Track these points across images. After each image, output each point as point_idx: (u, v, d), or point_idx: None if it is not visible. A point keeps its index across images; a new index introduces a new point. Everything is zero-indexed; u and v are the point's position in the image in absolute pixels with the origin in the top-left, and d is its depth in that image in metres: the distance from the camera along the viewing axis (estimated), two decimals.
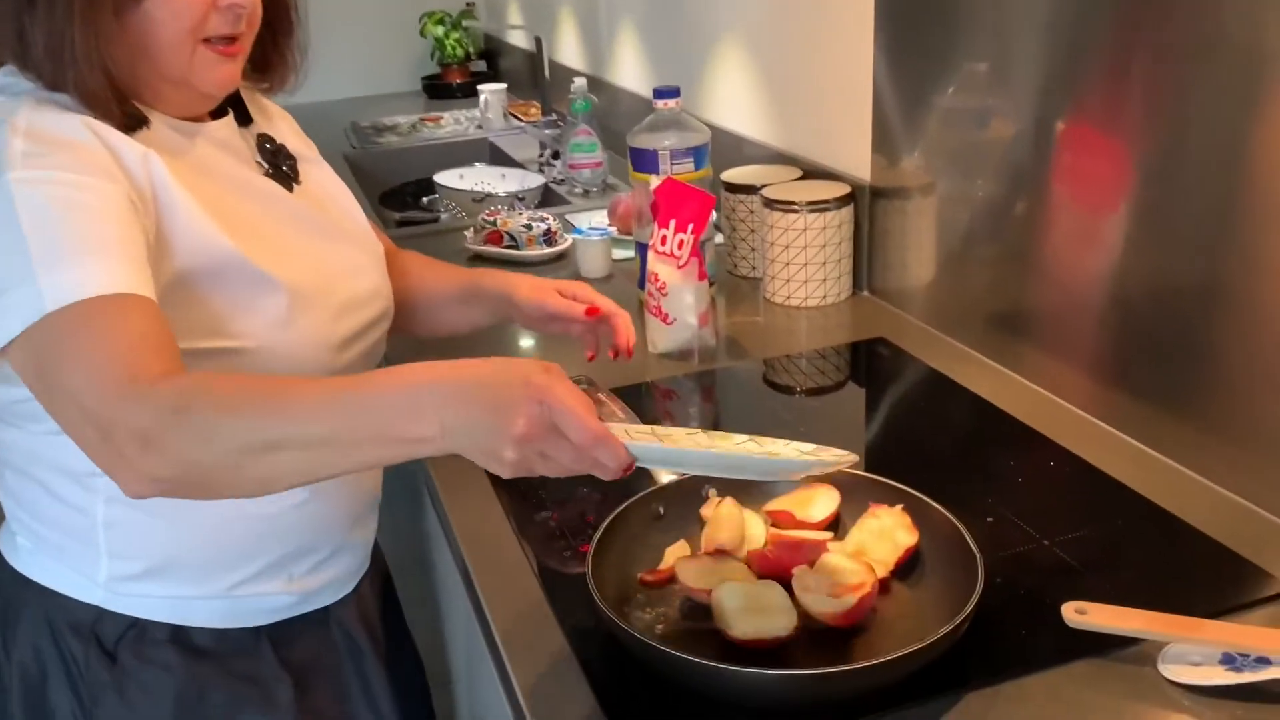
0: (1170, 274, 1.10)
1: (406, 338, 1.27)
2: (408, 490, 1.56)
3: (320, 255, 1.04)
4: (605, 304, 1.17)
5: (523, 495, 1.14)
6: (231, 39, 0.96)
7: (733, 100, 2.04)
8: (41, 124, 0.88)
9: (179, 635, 1.01)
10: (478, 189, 2.47)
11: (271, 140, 1.09)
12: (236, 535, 1.01)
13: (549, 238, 1.94)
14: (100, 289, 0.80)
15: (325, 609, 1.10)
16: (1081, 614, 0.85)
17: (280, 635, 1.06)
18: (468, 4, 3.73)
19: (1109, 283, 1.18)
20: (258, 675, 1.05)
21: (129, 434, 0.76)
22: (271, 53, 1.09)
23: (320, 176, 1.13)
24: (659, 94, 1.57)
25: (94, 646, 1.00)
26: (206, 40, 0.94)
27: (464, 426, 0.74)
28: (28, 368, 0.82)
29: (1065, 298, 1.26)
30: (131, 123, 0.93)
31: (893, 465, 1.17)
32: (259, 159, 1.06)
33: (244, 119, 1.07)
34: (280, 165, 1.07)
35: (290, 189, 1.06)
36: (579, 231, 1.85)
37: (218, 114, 1.04)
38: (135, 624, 1.00)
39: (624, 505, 0.98)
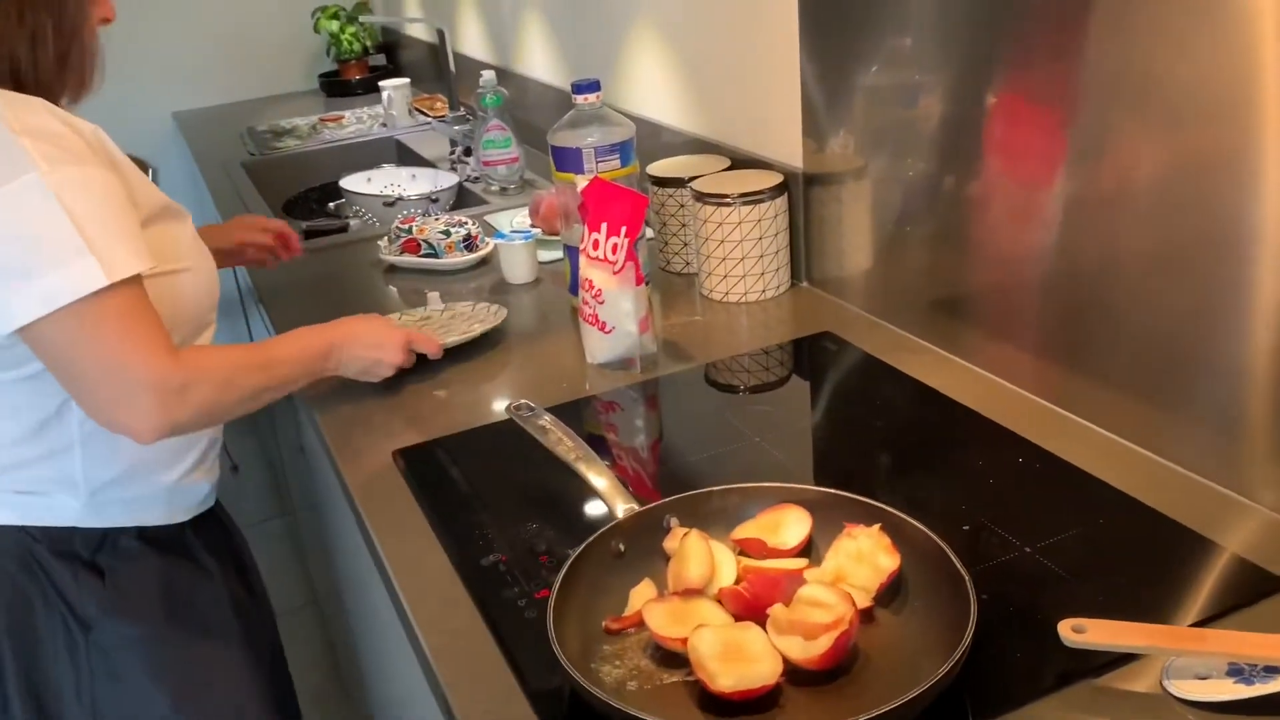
0: (1114, 246, 1.06)
1: None
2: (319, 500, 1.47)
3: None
4: (275, 226, 1.67)
5: (465, 535, 1.06)
6: None
7: (652, 88, 1.96)
8: (31, 125, 1.00)
9: (141, 535, 1.20)
10: (387, 192, 2.36)
11: None
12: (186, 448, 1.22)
13: (469, 243, 1.84)
14: (133, 269, 1.00)
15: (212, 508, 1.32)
16: (1079, 632, 0.80)
17: (195, 524, 1.27)
18: None
19: (1050, 258, 1.14)
20: (197, 558, 1.26)
21: (171, 388, 1.02)
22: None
23: None
24: (578, 88, 1.48)
25: (77, 564, 1.16)
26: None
27: (349, 361, 1.29)
28: (62, 338, 1.00)
29: (1007, 276, 1.21)
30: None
31: (855, 475, 1.12)
32: None
33: None
34: None
35: None
36: (501, 235, 1.76)
37: None
38: (105, 534, 1.18)
39: (581, 546, 0.90)
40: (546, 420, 1.09)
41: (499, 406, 1.32)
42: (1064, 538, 0.96)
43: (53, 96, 1.10)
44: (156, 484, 1.20)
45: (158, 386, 1.02)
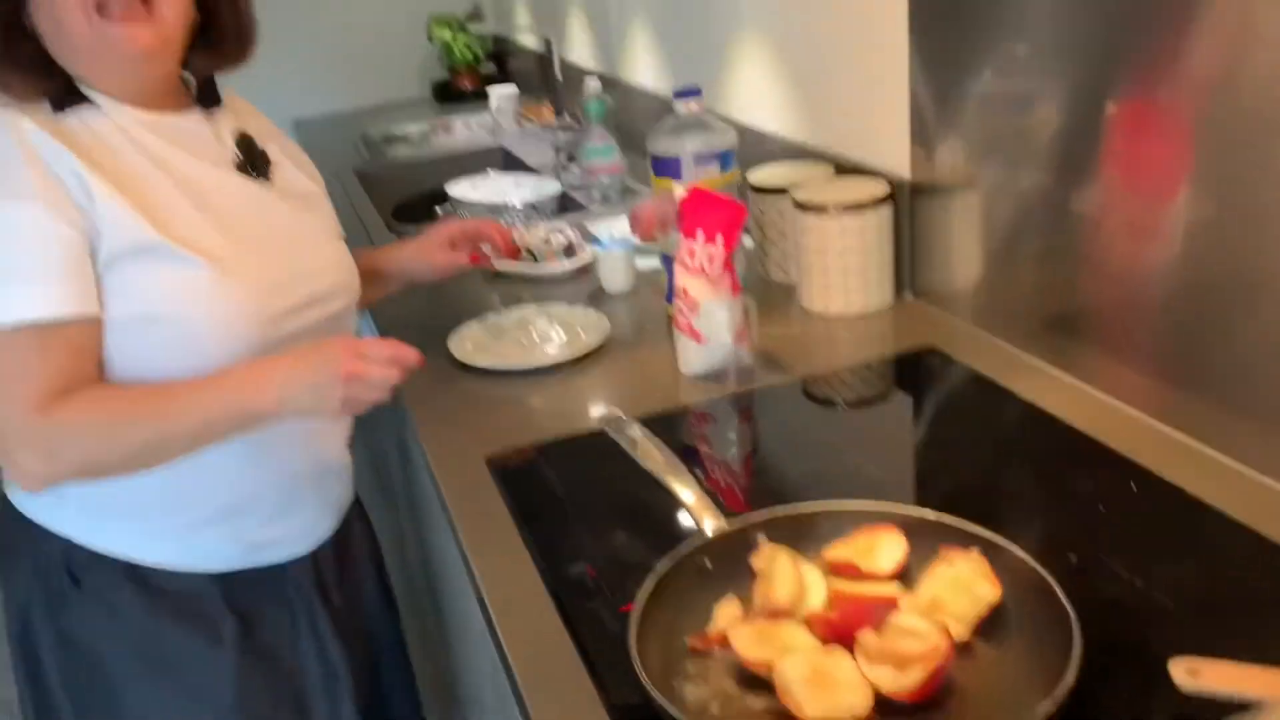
0: (1244, 264, 0.99)
1: None
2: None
3: (261, 236, 1.14)
4: (472, 229, 1.48)
5: (553, 544, 1.05)
6: (133, 5, 1.03)
7: (756, 95, 1.93)
8: None
9: (135, 572, 1.14)
10: (493, 199, 2.38)
11: (249, 138, 1.20)
12: (185, 479, 1.11)
13: (569, 251, 1.84)
14: (22, 315, 0.98)
15: (281, 567, 1.21)
16: (1195, 675, 0.74)
17: (231, 583, 1.18)
18: (474, 6, 3.64)
19: (1174, 275, 1.08)
20: (203, 612, 1.16)
21: (35, 450, 1.00)
22: (228, 21, 1.17)
23: (297, 180, 1.25)
24: (679, 95, 1.47)
25: (66, 576, 1.14)
26: (102, 10, 1.02)
27: (296, 391, 1.03)
28: None
29: (1126, 293, 1.15)
30: (66, 101, 1.06)
31: (956, 498, 1.07)
32: (235, 150, 1.18)
33: (210, 100, 1.19)
34: (255, 160, 1.19)
35: (255, 178, 1.18)
36: (600, 244, 1.76)
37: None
38: (99, 558, 1.13)
39: (667, 561, 0.89)
40: (637, 432, 1.08)
41: (593, 414, 1.31)
42: (1179, 572, 0.90)
43: (221, 60, 1.16)
44: (148, 524, 1.14)
45: (24, 441, 0.99)
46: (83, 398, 1.01)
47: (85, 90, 1.08)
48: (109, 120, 1.09)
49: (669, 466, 1.03)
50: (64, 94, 1.06)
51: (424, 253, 1.47)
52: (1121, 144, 1.13)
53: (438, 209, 2.58)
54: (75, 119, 1.06)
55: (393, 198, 2.70)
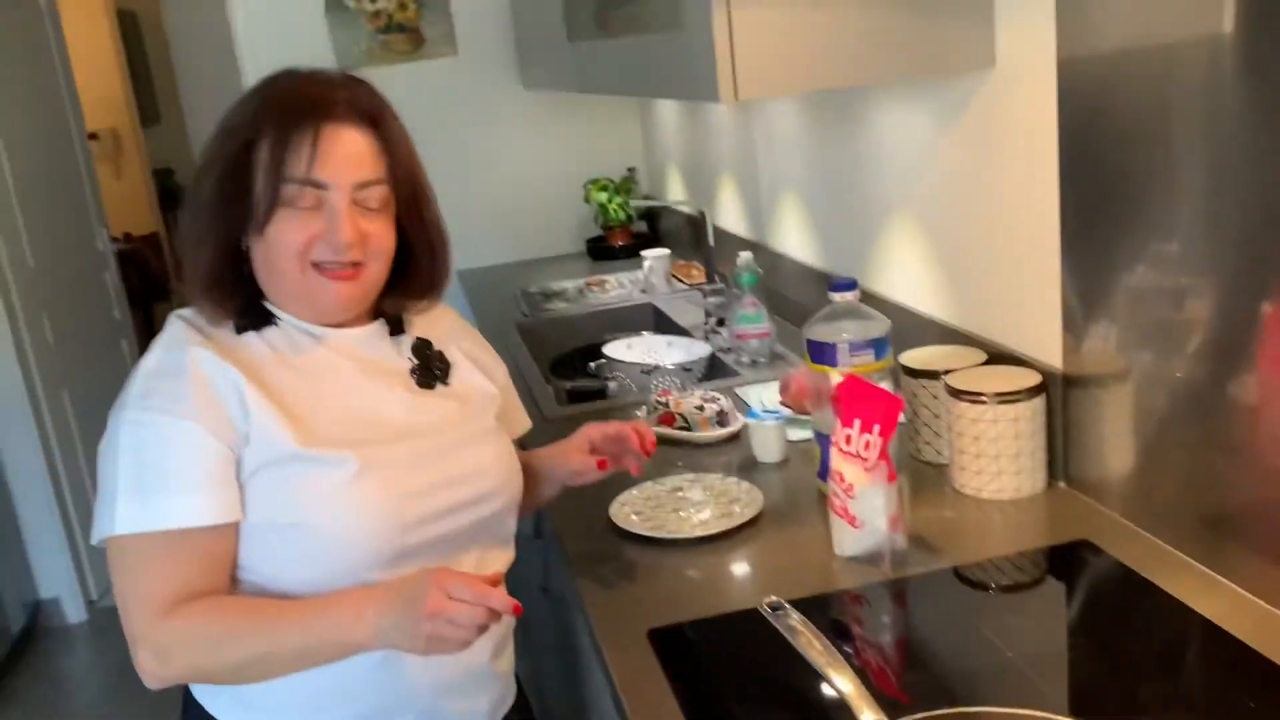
0: None
1: None
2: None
3: (411, 445, 1.21)
4: (613, 432, 1.42)
5: None
6: (346, 265, 1.16)
7: (906, 275, 2.01)
8: (159, 367, 1.14)
9: None
10: (645, 360, 2.50)
11: (428, 344, 1.31)
12: (311, 685, 1.14)
13: (722, 419, 1.93)
14: (157, 524, 1.08)
15: None
16: None
17: None
18: (629, 170, 3.86)
19: None
20: None
21: (151, 649, 1.08)
22: (423, 273, 1.28)
23: (473, 380, 1.34)
24: (835, 286, 1.56)
25: None
26: (317, 265, 1.16)
27: (387, 626, 1.05)
28: (109, 563, 1.11)
29: None
30: (248, 325, 1.19)
31: (1110, 706, 1.08)
32: (410, 357, 1.28)
33: (397, 331, 1.29)
34: (430, 366, 1.29)
35: (431, 386, 1.28)
36: (753, 414, 1.84)
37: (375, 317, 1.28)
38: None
39: None
40: (796, 620, 1.13)
41: (749, 591, 1.37)
42: None
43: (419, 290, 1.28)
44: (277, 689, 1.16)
45: (143, 641, 1.08)
46: (201, 605, 1.09)
47: (271, 308, 1.20)
48: (283, 332, 1.20)
49: (828, 657, 1.07)
50: (253, 320, 1.19)
51: (564, 455, 1.45)
52: (1278, 343, 1.15)
53: (591, 365, 2.72)
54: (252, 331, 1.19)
55: (550, 351, 2.87)
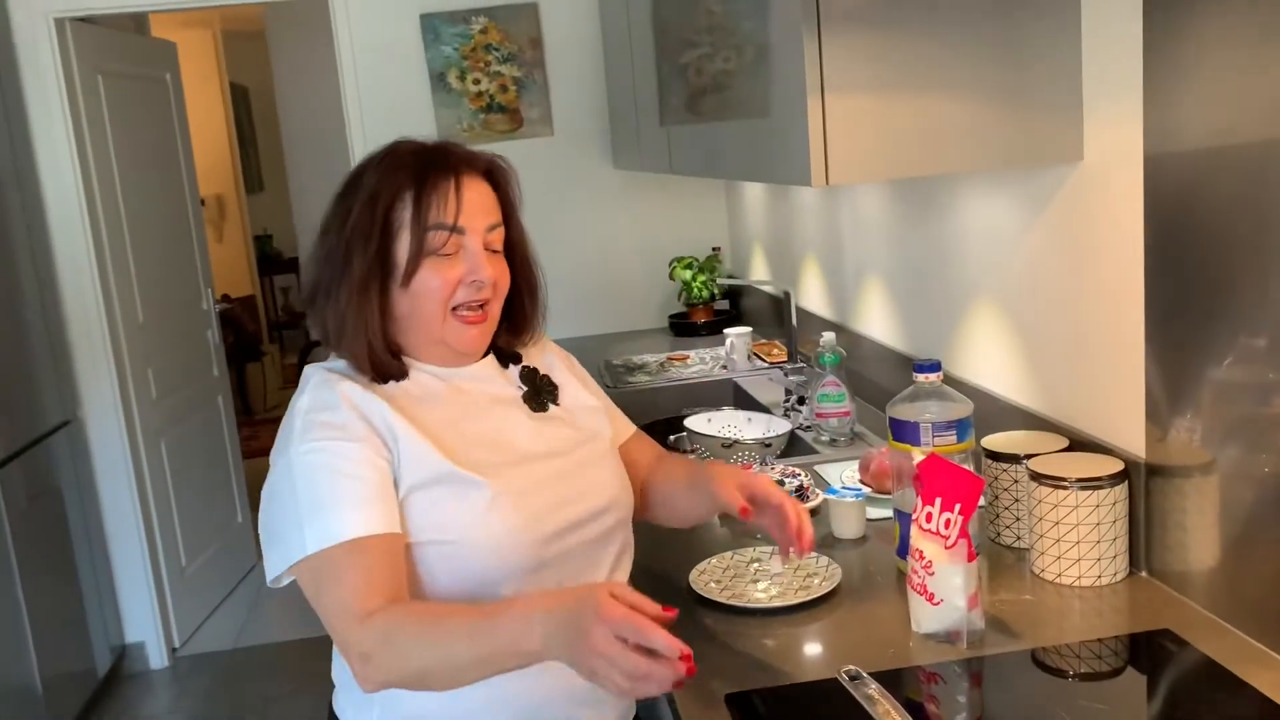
0: None
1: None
2: None
3: (536, 465, 1.32)
4: (775, 502, 1.41)
5: None
6: (477, 306, 1.30)
7: (989, 359, 2.04)
8: (314, 404, 1.25)
9: None
10: (725, 434, 2.54)
11: (535, 371, 1.43)
12: (466, 697, 1.20)
13: (801, 494, 1.96)
14: (343, 535, 1.16)
15: None
16: None
17: None
18: (714, 250, 3.95)
19: None
20: None
21: (357, 654, 1.13)
22: (526, 310, 1.42)
23: (579, 398, 1.46)
24: (920, 367, 1.60)
25: None
26: (455, 310, 1.29)
27: (557, 639, 1.05)
28: (305, 591, 1.19)
29: None
30: (388, 376, 1.29)
31: None
32: (520, 385, 1.40)
33: (508, 363, 1.42)
34: (540, 390, 1.41)
35: (544, 409, 1.39)
36: (832, 490, 1.87)
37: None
38: None
39: None
40: (875, 689, 1.15)
41: (826, 662, 1.39)
42: None
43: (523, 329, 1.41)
44: None
45: (349, 650, 1.14)
46: (395, 609, 1.15)
47: (405, 360, 1.33)
48: (413, 380, 1.33)
49: None
50: (391, 371, 1.30)
51: (719, 481, 1.43)
52: None
53: (671, 438, 2.77)
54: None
55: (634, 422, 2.92)
